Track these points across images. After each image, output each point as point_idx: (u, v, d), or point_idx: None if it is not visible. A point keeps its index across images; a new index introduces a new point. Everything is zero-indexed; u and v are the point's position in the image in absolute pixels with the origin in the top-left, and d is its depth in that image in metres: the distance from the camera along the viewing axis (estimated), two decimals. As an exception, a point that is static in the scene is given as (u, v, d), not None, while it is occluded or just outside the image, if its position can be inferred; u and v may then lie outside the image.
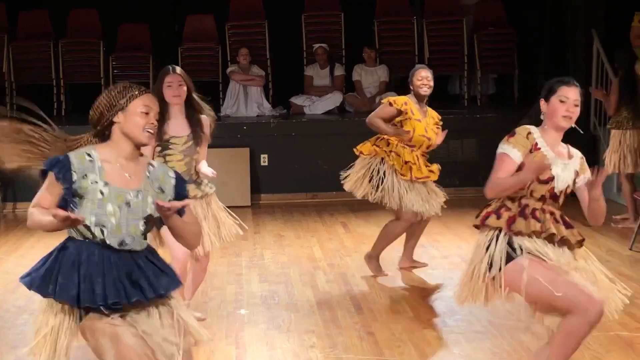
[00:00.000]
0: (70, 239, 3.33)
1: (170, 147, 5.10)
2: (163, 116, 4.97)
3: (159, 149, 5.11)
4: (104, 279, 3.21)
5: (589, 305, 3.63)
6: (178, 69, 5.18)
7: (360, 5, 10.97)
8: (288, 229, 8.17)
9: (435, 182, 6.37)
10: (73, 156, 3.27)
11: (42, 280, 3.25)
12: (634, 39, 8.77)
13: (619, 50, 8.19)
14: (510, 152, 3.82)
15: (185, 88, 5.11)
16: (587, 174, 3.92)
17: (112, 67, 10.51)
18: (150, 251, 3.41)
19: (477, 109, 10.60)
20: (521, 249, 3.77)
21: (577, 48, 10.01)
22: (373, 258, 6.50)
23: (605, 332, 4.90)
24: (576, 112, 3.85)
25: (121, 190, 3.28)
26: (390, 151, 6.20)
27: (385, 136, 6.25)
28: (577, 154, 3.97)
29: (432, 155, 6.37)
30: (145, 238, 3.36)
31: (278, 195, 9.48)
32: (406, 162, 6.17)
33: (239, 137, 9.37)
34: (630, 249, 7.08)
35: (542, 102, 3.89)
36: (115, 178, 3.29)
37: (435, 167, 6.37)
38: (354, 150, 6.34)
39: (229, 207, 5.46)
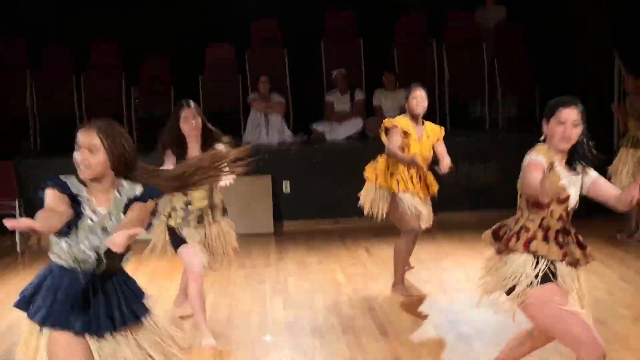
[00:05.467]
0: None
1: None
2: (182, 149, 5.36)
3: None
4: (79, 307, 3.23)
5: (594, 351, 3.65)
6: (192, 103, 5.49)
7: (379, 30, 10.99)
8: (311, 256, 8.16)
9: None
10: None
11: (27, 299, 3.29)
12: None
13: None
14: (537, 157, 3.71)
15: (200, 120, 5.44)
16: (592, 172, 3.86)
17: (134, 99, 10.57)
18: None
19: (499, 132, 10.55)
20: (553, 275, 3.76)
21: (594, 65, 9.87)
22: (397, 284, 6.61)
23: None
24: (574, 133, 3.74)
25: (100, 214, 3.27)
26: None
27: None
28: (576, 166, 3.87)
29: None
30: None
31: (300, 222, 9.48)
32: (391, 175, 6.40)
33: (261, 165, 9.37)
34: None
35: (544, 123, 3.82)
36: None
37: (434, 185, 6.50)
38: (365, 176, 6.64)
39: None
